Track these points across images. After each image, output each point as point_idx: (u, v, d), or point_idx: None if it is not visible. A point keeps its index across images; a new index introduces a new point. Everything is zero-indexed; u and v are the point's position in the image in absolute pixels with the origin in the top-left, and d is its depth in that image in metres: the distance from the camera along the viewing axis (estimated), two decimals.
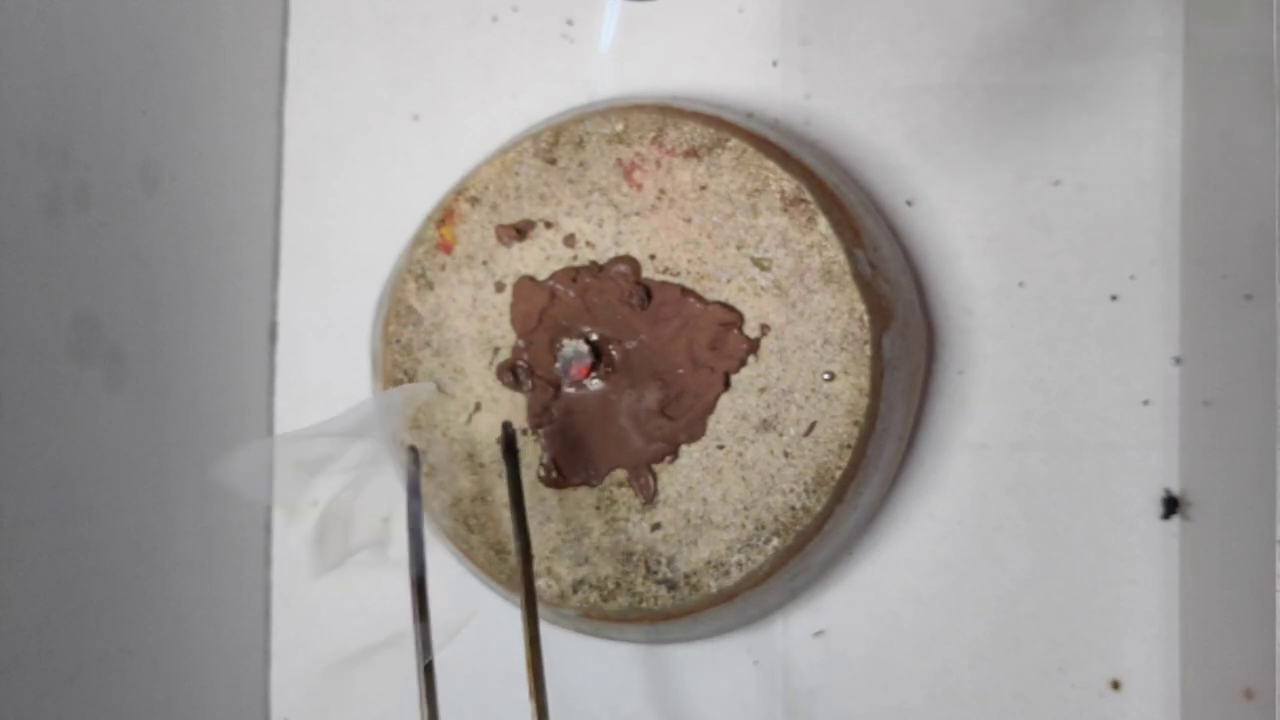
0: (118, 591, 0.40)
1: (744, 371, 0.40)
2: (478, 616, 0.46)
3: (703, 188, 0.40)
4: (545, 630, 0.44)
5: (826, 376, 0.39)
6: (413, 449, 0.39)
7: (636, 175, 0.41)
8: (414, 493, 0.37)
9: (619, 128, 0.41)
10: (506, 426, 0.40)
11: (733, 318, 0.40)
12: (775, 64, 0.44)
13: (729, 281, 0.40)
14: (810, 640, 0.43)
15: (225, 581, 0.46)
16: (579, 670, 0.44)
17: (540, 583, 0.41)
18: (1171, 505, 0.41)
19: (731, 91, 0.44)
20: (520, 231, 0.42)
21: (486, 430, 0.42)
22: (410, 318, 0.43)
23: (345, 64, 0.47)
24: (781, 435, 0.39)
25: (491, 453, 0.42)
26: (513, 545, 0.39)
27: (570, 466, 0.41)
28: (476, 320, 0.42)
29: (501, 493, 0.41)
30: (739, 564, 0.39)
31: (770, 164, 0.40)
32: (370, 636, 0.46)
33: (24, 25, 0.36)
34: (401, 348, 0.43)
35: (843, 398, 0.39)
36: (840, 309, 0.39)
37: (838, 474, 0.39)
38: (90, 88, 0.39)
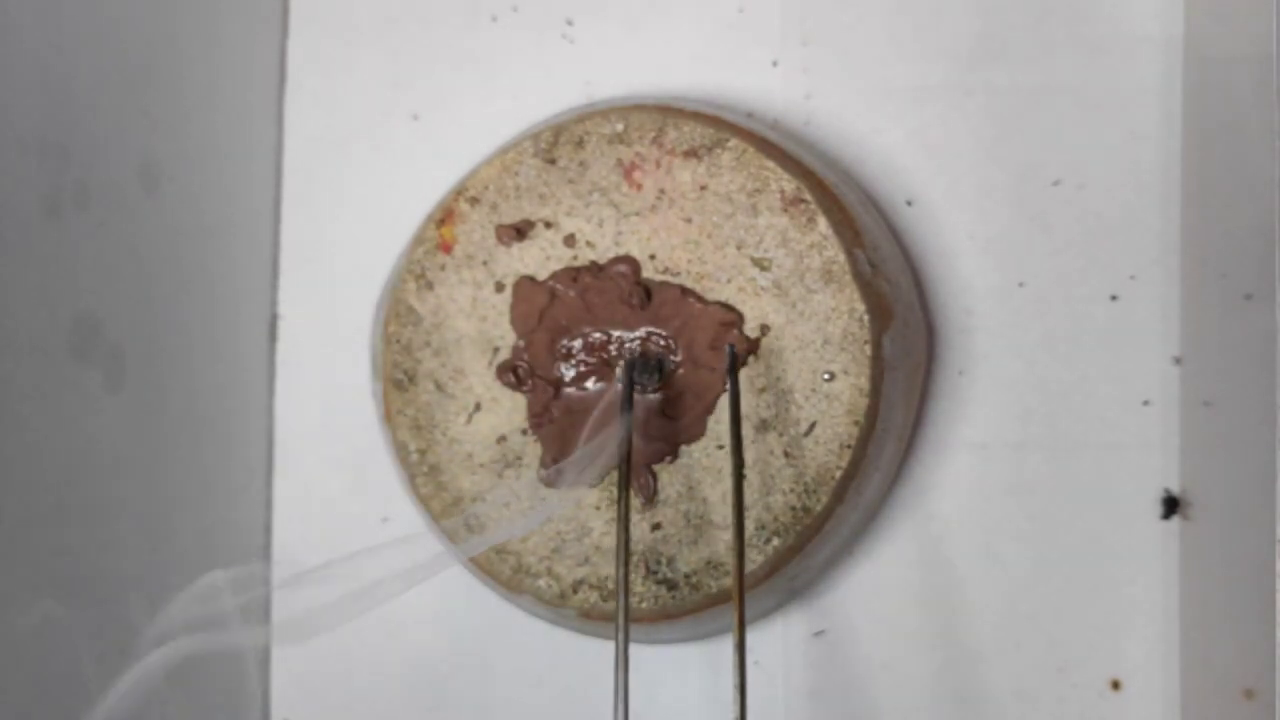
0: (118, 591, 0.40)
1: (744, 371, 0.40)
2: (479, 617, 0.46)
3: (703, 188, 0.40)
4: (545, 630, 0.44)
5: (826, 376, 0.39)
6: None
7: (636, 175, 0.41)
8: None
9: (619, 128, 0.41)
10: (731, 348, 0.39)
11: (732, 318, 0.40)
12: (775, 64, 0.44)
13: (729, 281, 0.40)
14: (810, 640, 0.43)
15: None
16: (579, 670, 0.44)
17: (540, 582, 0.41)
18: (1171, 505, 0.41)
19: (731, 91, 0.44)
20: (520, 231, 0.42)
21: (486, 430, 0.42)
22: (410, 318, 0.42)
23: (345, 64, 0.47)
24: (781, 435, 0.39)
25: (491, 453, 0.42)
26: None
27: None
28: (476, 320, 0.42)
29: (502, 493, 0.41)
30: None
31: (770, 164, 0.40)
32: (370, 636, 0.47)
33: (24, 25, 0.36)
34: (401, 348, 0.43)
35: (843, 398, 0.39)
36: (840, 309, 0.39)
37: (838, 474, 0.39)
38: (90, 88, 0.39)
